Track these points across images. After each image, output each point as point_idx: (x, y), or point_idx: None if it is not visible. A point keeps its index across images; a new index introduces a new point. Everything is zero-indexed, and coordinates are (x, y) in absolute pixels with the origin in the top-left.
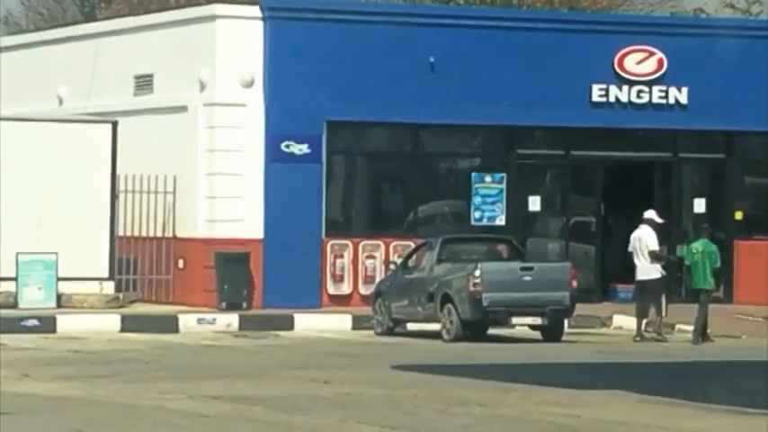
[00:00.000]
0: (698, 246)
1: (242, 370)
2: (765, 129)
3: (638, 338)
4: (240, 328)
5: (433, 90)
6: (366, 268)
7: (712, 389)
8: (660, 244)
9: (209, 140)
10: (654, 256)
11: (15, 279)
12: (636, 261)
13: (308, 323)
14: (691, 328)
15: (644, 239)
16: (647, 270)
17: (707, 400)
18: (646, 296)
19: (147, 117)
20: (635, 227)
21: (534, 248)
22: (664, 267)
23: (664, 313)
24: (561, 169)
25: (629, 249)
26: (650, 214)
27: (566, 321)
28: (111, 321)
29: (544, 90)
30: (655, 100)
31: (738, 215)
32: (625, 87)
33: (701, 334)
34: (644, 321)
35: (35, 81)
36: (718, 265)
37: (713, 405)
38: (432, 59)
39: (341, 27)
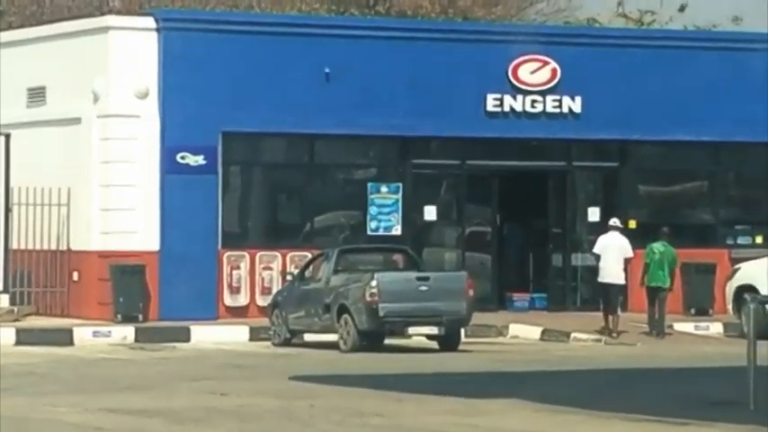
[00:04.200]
0: (658, 246)
1: (138, 382)
2: (658, 137)
3: (614, 335)
4: (136, 340)
5: (329, 100)
6: (263, 279)
7: (609, 397)
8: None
9: (104, 152)
10: (627, 263)
11: None
12: (601, 264)
13: (204, 335)
14: (586, 336)
15: (624, 246)
16: (617, 274)
17: (603, 408)
18: (612, 297)
19: (41, 129)
20: (530, 236)
21: (430, 258)
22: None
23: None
24: (456, 179)
25: (597, 251)
26: (617, 222)
27: (462, 331)
28: (6, 335)
29: (439, 100)
30: (549, 109)
31: (632, 224)
32: (519, 97)
33: (661, 329)
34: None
35: None
36: (677, 265)
37: (609, 413)
38: (327, 70)
39: (236, 37)
